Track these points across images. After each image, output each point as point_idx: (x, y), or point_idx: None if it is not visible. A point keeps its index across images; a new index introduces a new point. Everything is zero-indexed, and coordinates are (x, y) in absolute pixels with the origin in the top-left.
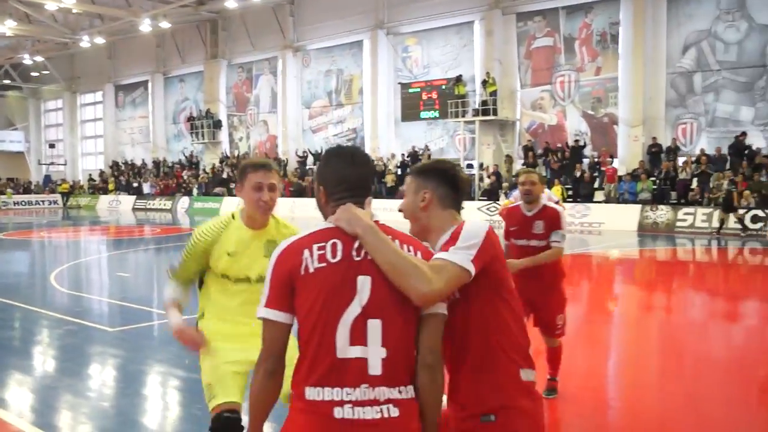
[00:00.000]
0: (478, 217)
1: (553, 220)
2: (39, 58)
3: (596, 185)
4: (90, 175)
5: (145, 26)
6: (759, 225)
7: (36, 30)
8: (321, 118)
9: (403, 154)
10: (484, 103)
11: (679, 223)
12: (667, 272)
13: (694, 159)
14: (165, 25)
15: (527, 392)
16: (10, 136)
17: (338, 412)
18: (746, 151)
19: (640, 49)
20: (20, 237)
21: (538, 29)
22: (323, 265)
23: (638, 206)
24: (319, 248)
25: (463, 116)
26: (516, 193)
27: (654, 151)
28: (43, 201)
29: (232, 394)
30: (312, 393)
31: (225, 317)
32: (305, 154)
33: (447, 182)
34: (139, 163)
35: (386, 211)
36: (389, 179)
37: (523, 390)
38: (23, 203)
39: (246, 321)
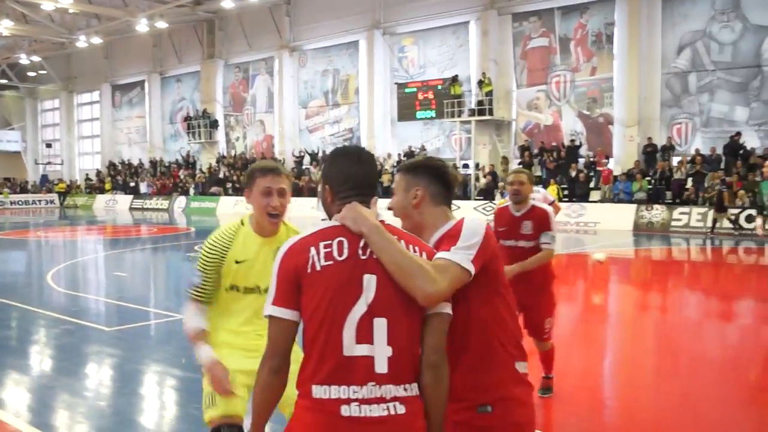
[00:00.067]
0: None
1: (541, 221)
2: (36, 58)
3: (592, 185)
4: (87, 174)
5: (142, 26)
6: (753, 224)
7: (33, 30)
8: (317, 118)
9: (399, 154)
10: (480, 103)
11: (674, 223)
12: (662, 272)
13: (689, 159)
14: (162, 25)
15: (522, 382)
16: (7, 136)
17: (345, 410)
18: (741, 151)
19: (635, 50)
20: (17, 236)
21: (534, 29)
22: (330, 263)
23: (633, 206)
24: (326, 246)
25: (459, 116)
26: None
27: (649, 151)
28: (39, 200)
29: (235, 405)
30: (319, 391)
31: (234, 329)
32: (302, 154)
33: (438, 179)
34: (136, 162)
35: (382, 211)
36: (386, 179)
37: (518, 381)
38: (20, 203)
39: (256, 333)
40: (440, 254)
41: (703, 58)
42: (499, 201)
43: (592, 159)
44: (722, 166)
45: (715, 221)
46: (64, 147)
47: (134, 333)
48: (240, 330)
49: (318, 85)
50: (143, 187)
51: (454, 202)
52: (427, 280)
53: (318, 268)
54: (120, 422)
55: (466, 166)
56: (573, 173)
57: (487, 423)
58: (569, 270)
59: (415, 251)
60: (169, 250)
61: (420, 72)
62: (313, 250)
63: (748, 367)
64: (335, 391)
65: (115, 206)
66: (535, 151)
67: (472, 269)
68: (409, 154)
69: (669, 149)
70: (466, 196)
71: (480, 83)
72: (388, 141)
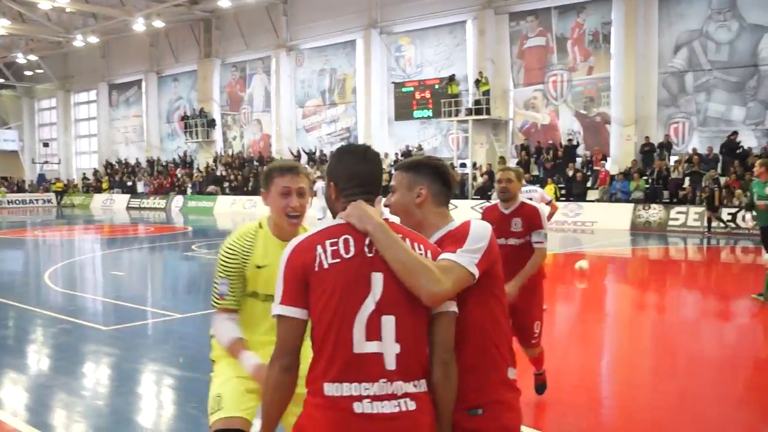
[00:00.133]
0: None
1: (532, 218)
2: (33, 57)
3: (589, 184)
4: (84, 173)
5: (139, 25)
6: (751, 224)
7: (29, 29)
8: (314, 117)
9: (396, 154)
10: (477, 102)
11: (671, 222)
12: (659, 271)
13: (686, 158)
14: (158, 24)
15: (512, 388)
16: (3, 135)
17: (358, 407)
18: (738, 151)
19: (632, 49)
20: (14, 236)
21: (531, 29)
22: (338, 260)
23: (631, 205)
24: (332, 244)
25: (456, 115)
26: None
27: (646, 151)
28: (37, 200)
29: (243, 410)
30: (331, 389)
31: (251, 339)
32: (299, 153)
33: (439, 179)
34: (133, 162)
35: (386, 209)
36: (383, 178)
37: (509, 386)
38: (17, 202)
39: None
40: (446, 255)
41: (699, 58)
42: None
43: (589, 158)
44: (719, 165)
45: (710, 220)
46: (61, 146)
47: (131, 332)
48: (260, 339)
49: (315, 84)
50: (140, 187)
51: (452, 201)
52: (432, 279)
53: (326, 266)
54: (117, 421)
55: (463, 165)
56: (570, 173)
57: (477, 425)
58: (566, 270)
59: (419, 249)
60: (166, 250)
61: (417, 71)
62: (319, 249)
63: (746, 366)
64: (347, 389)
65: (112, 205)
66: (532, 150)
67: (476, 273)
68: (407, 153)
69: (666, 148)
70: (463, 196)
71: (477, 82)
72: (385, 140)
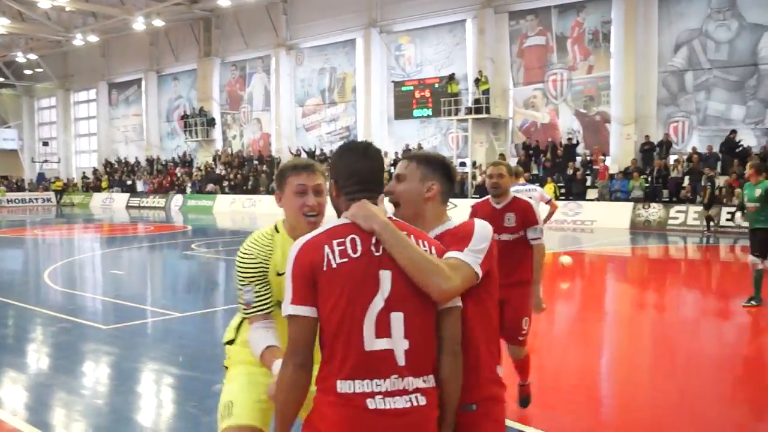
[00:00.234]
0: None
1: (526, 213)
2: (32, 56)
3: (588, 183)
4: (84, 172)
5: (139, 24)
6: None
7: (29, 28)
8: (314, 116)
9: (396, 152)
10: (476, 101)
11: (671, 221)
12: (659, 270)
13: (685, 157)
14: (158, 23)
15: (500, 383)
16: (3, 134)
17: (371, 403)
18: (738, 150)
19: (631, 48)
20: (14, 235)
21: (531, 28)
22: (345, 260)
23: (630, 204)
24: (339, 244)
25: (456, 114)
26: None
27: (646, 149)
28: (36, 199)
29: (254, 418)
30: (344, 386)
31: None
32: (299, 152)
33: (448, 178)
34: (132, 161)
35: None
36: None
37: (497, 381)
38: (17, 201)
39: None
40: (453, 254)
41: (699, 57)
42: None
43: (589, 157)
44: (719, 164)
45: (709, 219)
46: (60, 145)
47: (131, 331)
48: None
49: (315, 83)
50: (140, 186)
51: (452, 200)
52: (443, 277)
53: (334, 265)
54: (117, 420)
55: (462, 164)
56: (570, 171)
57: (471, 420)
58: (566, 268)
59: (424, 246)
60: (165, 248)
61: (417, 70)
62: (327, 248)
63: (745, 365)
64: (360, 386)
65: (112, 204)
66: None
67: (480, 273)
68: (406, 152)
69: (666, 147)
70: (463, 194)
71: (477, 81)
72: (384, 139)
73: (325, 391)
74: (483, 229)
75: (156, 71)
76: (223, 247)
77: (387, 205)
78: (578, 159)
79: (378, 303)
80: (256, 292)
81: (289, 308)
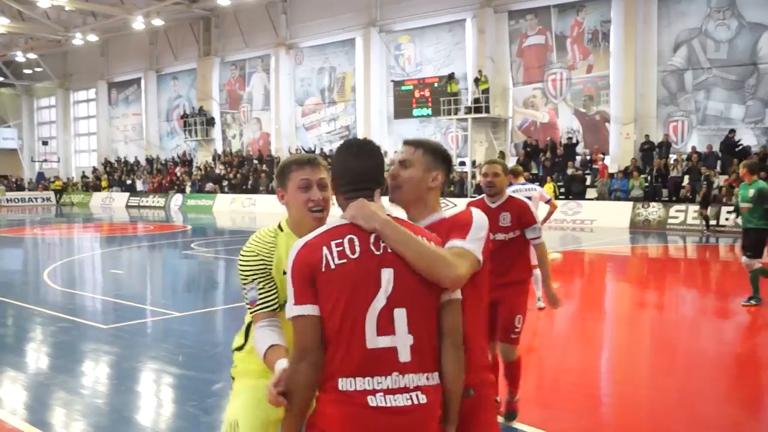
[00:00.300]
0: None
1: (522, 213)
2: (32, 55)
3: (588, 182)
4: (83, 172)
5: (138, 24)
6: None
7: (29, 27)
8: (314, 116)
9: (395, 152)
10: (476, 100)
11: (670, 221)
12: (658, 269)
13: (685, 156)
14: (158, 22)
15: (490, 368)
16: (3, 134)
17: (372, 401)
18: (738, 149)
19: (631, 47)
20: (13, 234)
21: (530, 27)
22: (344, 261)
23: (630, 203)
24: (337, 245)
25: (456, 114)
26: (510, 189)
27: (646, 149)
28: (36, 198)
29: None
30: (345, 384)
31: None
32: (298, 152)
33: (449, 172)
34: (132, 160)
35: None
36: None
37: (488, 366)
38: (16, 200)
39: None
40: (455, 242)
41: (699, 56)
42: None
43: (588, 157)
44: (719, 163)
45: (707, 218)
46: (60, 144)
47: (131, 330)
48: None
49: (314, 82)
50: (140, 185)
51: (450, 199)
52: (451, 265)
53: (333, 266)
54: (117, 420)
55: (462, 163)
56: (569, 171)
57: (470, 404)
58: (565, 268)
59: (423, 240)
60: (165, 248)
61: (416, 70)
62: (325, 249)
63: (744, 364)
64: (361, 383)
65: (112, 204)
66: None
67: (481, 260)
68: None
69: (666, 147)
70: (462, 194)
71: (476, 81)
72: (384, 138)
73: (327, 390)
74: (481, 218)
75: (155, 71)
76: (222, 247)
77: (385, 201)
78: (578, 158)
79: (380, 301)
80: (260, 289)
81: (293, 309)
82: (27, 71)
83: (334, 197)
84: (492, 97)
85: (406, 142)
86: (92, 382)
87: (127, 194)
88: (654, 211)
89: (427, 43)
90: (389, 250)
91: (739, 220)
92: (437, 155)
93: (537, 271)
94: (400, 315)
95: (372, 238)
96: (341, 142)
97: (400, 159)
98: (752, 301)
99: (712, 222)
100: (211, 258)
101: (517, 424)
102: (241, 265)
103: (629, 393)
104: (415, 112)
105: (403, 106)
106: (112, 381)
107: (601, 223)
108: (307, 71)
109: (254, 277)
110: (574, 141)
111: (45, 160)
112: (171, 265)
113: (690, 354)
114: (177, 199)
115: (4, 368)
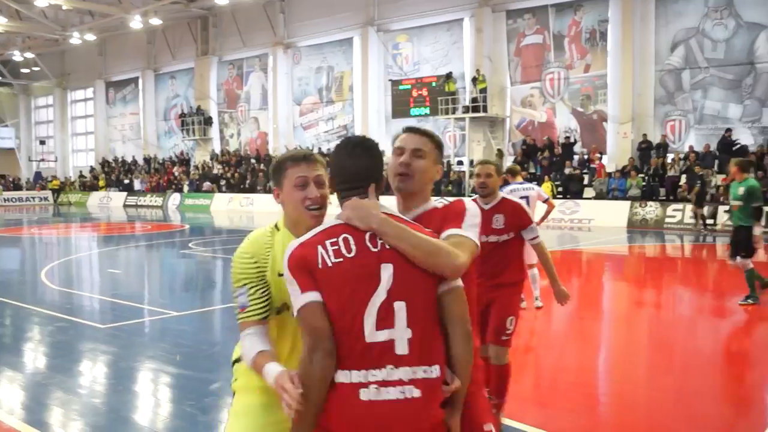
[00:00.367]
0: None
1: (516, 214)
2: (29, 55)
3: (586, 182)
4: (81, 171)
5: (136, 23)
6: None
7: (26, 26)
8: (312, 115)
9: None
10: (474, 100)
11: (668, 220)
12: (656, 268)
13: (682, 156)
14: (155, 21)
15: (481, 368)
16: (0, 133)
17: (364, 394)
18: (735, 148)
19: (628, 47)
20: (11, 234)
21: (528, 27)
22: (340, 260)
23: (627, 203)
24: (332, 244)
25: (454, 113)
26: (507, 188)
27: (643, 148)
28: (33, 198)
29: None
30: (340, 376)
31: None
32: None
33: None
34: (129, 159)
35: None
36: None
37: (480, 365)
38: (13, 200)
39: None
40: (453, 231)
41: (696, 56)
42: None
43: (586, 156)
44: (716, 163)
45: (704, 217)
46: (57, 144)
47: (129, 330)
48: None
49: (312, 82)
50: (137, 184)
51: (449, 198)
52: (452, 254)
53: (329, 264)
54: (114, 419)
55: (460, 163)
56: (567, 170)
57: (467, 398)
58: (563, 267)
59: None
60: (163, 247)
61: (414, 69)
62: (320, 248)
63: (743, 363)
64: (356, 376)
65: (109, 203)
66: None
67: (479, 245)
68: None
69: (663, 146)
70: (460, 193)
71: (474, 80)
72: (382, 138)
73: None
74: (474, 206)
75: (153, 70)
76: (220, 246)
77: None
78: (575, 158)
79: (380, 296)
80: (250, 295)
81: (301, 298)
82: (24, 70)
83: (334, 195)
84: (490, 97)
85: (413, 130)
86: (90, 382)
87: (125, 194)
88: (651, 210)
89: (425, 43)
90: (387, 247)
91: (730, 221)
92: (440, 150)
93: (533, 271)
94: (399, 308)
95: (367, 236)
96: (338, 141)
97: (413, 147)
98: (749, 300)
99: (709, 221)
100: (208, 257)
101: (515, 424)
102: (234, 270)
103: (627, 392)
104: (413, 111)
105: (400, 106)
106: (109, 381)
107: (598, 222)
108: (305, 70)
109: (246, 282)
110: (572, 140)
111: (42, 160)
112: (168, 265)
113: (687, 353)
114: (174, 198)
115: (2, 368)
